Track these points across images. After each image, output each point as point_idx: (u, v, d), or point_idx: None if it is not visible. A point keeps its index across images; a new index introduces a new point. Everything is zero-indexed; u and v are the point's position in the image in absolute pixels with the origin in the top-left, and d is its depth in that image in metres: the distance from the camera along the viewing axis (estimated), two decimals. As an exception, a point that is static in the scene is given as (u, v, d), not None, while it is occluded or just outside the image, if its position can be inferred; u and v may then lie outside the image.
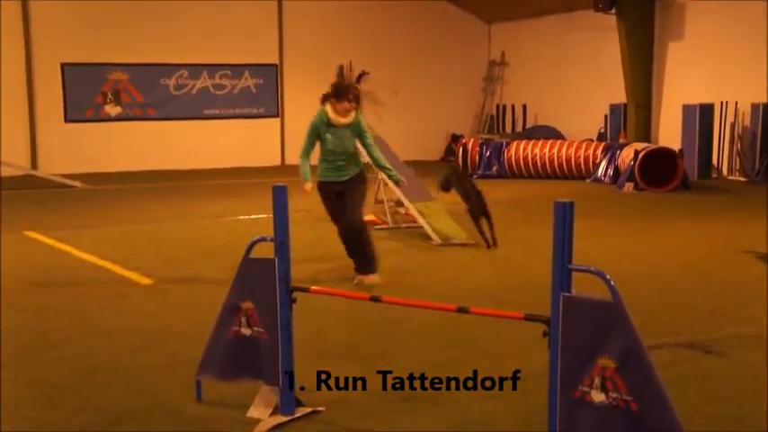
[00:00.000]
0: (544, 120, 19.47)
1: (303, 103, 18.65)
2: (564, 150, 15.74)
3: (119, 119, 18.47)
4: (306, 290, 3.98)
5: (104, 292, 6.76)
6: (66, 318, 6.00)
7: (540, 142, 16.21)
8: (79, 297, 6.62)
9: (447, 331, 5.37)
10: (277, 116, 19.91)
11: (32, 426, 3.93)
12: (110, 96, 18.37)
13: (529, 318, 3.28)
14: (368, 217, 8.54)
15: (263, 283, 3.85)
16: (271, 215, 3.93)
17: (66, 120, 17.98)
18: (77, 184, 15.11)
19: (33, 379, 4.61)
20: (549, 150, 15.86)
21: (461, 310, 3.64)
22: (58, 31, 17.44)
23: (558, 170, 15.69)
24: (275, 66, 19.75)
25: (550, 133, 17.91)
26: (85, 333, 5.58)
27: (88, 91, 18.10)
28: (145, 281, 7.18)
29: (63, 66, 17.78)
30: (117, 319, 5.94)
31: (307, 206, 8.24)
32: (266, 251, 3.93)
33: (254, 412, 3.92)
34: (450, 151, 20.33)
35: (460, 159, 16.39)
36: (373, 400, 4.15)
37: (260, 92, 19.79)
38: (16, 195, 13.79)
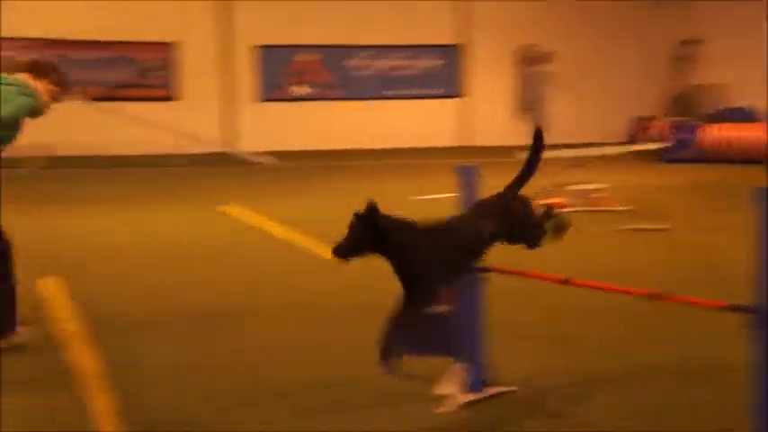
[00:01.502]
0: (740, 101, 18.40)
1: (485, 83, 18.56)
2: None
3: (306, 99, 19.14)
4: (493, 270, 3.97)
5: (296, 266, 7.03)
6: (252, 290, 6.29)
7: (738, 124, 15.31)
8: (270, 271, 6.93)
9: (633, 316, 5.22)
10: (458, 96, 19.94)
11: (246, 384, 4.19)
12: (298, 77, 19.06)
13: (734, 308, 3.13)
14: (555, 199, 8.42)
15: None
16: (450, 195, 3.95)
17: (259, 100, 18.83)
18: (269, 160, 15.77)
19: (236, 347, 4.89)
20: (748, 133, 14.93)
21: (653, 296, 3.52)
22: (254, 14, 18.26)
23: (757, 154, 14.71)
24: (455, 46, 19.77)
25: (746, 115, 16.89)
26: (273, 305, 5.84)
27: (278, 72, 18.87)
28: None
29: (257, 47, 18.61)
30: (308, 294, 6.16)
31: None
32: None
33: (442, 389, 3.97)
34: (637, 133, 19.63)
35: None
36: (564, 381, 4.12)
37: (440, 72, 19.88)
38: (211, 172, 14.61)
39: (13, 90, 4.93)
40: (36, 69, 5.24)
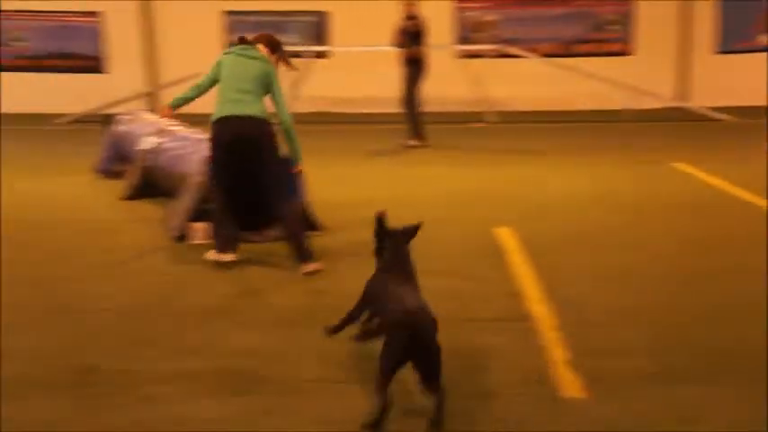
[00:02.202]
0: None
1: None
2: None
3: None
4: None
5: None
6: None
7: None
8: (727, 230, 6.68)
9: None
10: None
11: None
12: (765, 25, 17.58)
13: None
14: None
15: None
16: None
17: (717, 51, 17.77)
18: (725, 117, 14.89)
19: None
20: None
21: None
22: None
23: None
24: None
25: None
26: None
27: (741, 21, 17.59)
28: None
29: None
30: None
31: None
32: None
33: None
34: None
35: None
36: None
37: None
38: (662, 127, 14.21)
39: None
40: (272, 44, 6.40)
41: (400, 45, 12.14)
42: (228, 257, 6.09)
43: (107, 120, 10.25)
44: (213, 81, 6.20)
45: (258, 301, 5.30)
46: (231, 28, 18.27)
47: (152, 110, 14.28)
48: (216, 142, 6.05)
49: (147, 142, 8.61)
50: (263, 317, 4.98)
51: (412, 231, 4.05)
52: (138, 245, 6.74)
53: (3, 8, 18.07)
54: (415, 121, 12.25)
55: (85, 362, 4.24)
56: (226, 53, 6.29)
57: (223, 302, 5.26)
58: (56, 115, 15.62)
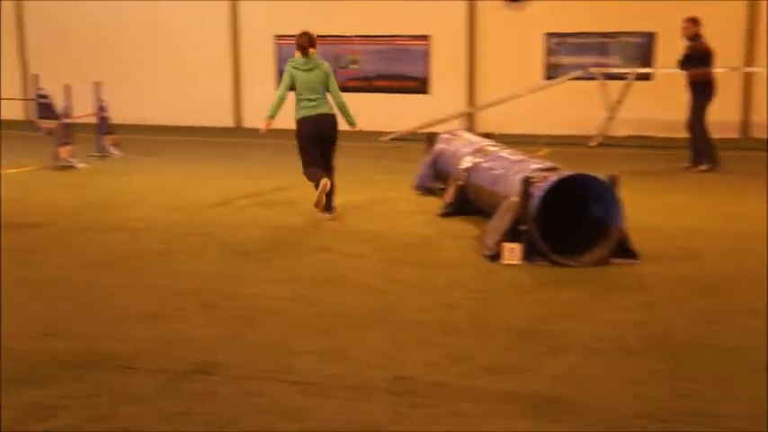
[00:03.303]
0: None
1: None
2: None
3: None
4: None
5: None
6: None
7: None
8: None
9: None
10: None
11: None
12: None
13: None
14: None
15: None
16: None
17: None
18: None
19: None
20: None
21: None
22: None
23: None
24: None
25: None
26: None
27: None
28: None
29: None
30: None
31: None
32: None
33: None
34: None
35: None
36: None
37: None
38: None
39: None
40: (315, 44, 8.65)
41: (683, 67, 11.91)
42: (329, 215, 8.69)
43: (431, 138, 10.65)
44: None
45: (571, 326, 5.16)
46: (552, 50, 18.26)
47: (470, 129, 14.65)
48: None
49: (466, 161, 8.80)
50: (575, 342, 4.84)
51: None
52: (450, 261, 6.89)
53: (343, 33, 19.55)
54: (703, 146, 11.91)
55: (399, 370, 4.37)
56: (294, 68, 8.57)
57: (535, 325, 5.19)
58: (382, 133, 16.53)
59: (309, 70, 8.56)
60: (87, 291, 5.92)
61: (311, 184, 8.55)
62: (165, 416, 3.79)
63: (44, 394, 4.01)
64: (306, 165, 8.67)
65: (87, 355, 4.60)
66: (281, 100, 8.63)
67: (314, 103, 8.56)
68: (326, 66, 8.75)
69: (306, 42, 8.60)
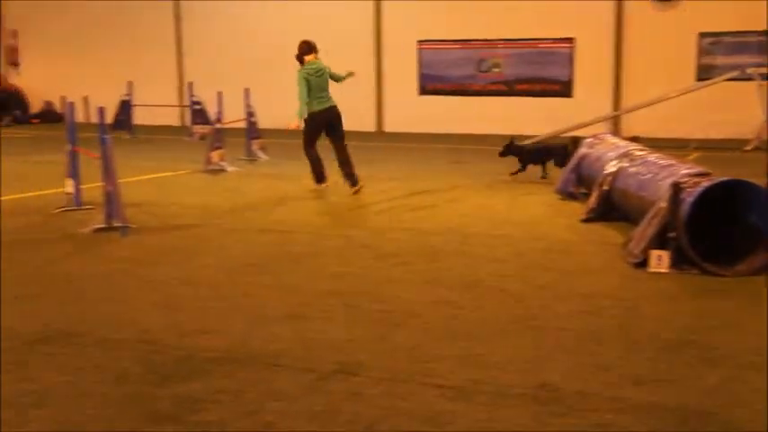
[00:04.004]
0: None
1: None
2: None
3: None
4: None
5: None
6: None
7: None
8: None
9: None
10: None
11: None
12: None
13: None
14: None
15: None
16: None
17: None
18: None
19: None
20: None
21: None
22: None
23: None
24: None
25: None
26: None
27: None
28: None
29: None
30: None
31: None
32: None
33: None
34: None
35: None
36: None
37: None
38: None
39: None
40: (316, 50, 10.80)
41: None
42: (324, 185, 10.89)
43: (574, 142, 10.45)
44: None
45: (723, 337, 4.93)
46: (705, 50, 17.55)
47: (615, 133, 14.28)
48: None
49: (611, 165, 8.57)
50: (728, 354, 4.62)
51: None
52: (594, 268, 6.73)
53: (485, 37, 19.47)
54: None
55: (542, 378, 4.30)
56: (309, 74, 10.53)
57: (684, 335, 4.98)
58: (522, 137, 16.37)
59: (319, 76, 10.57)
60: (236, 290, 6.14)
61: (311, 173, 10.92)
62: (309, 414, 3.88)
63: (195, 388, 4.19)
64: (310, 145, 10.80)
65: (236, 352, 4.76)
66: (305, 103, 10.40)
67: (323, 99, 10.57)
68: (327, 67, 10.80)
69: (304, 51, 10.73)
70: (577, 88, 18.86)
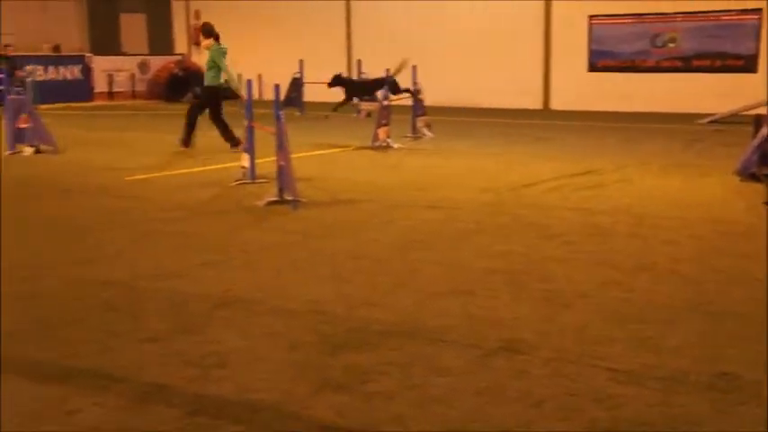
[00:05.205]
0: None
1: None
2: None
3: None
4: None
5: None
6: None
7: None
8: None
9: None
10: None
11: None
12: None
13: None
14: None
15: None
16: None
17: None
18: None
19: None
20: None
21: None
22: None
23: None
24: None
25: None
26: None
27: None
28: None
29: None
30: None
31: None
32: None
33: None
34: None
35: None
36: None
37: None
38: None
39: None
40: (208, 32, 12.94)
41: None
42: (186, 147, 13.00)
43: (758, 120, 9.87)
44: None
45: None
46: None
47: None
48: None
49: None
50: None
51: None
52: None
53: (661, 11, 18.67)
54: None
55: (719, 365, 4.11)
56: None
57: None
58: (700, 115, 15.62)
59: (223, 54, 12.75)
60: (402, 265, 6.22)
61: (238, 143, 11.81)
62: (474, 390, 3.88)
63: (364, 359, 4.29)
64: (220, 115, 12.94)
65: (402, 325, 4.84)
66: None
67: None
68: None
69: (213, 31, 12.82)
70: (763, 63, 17.74)
